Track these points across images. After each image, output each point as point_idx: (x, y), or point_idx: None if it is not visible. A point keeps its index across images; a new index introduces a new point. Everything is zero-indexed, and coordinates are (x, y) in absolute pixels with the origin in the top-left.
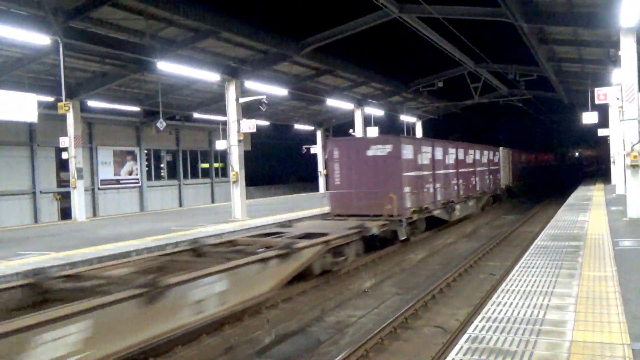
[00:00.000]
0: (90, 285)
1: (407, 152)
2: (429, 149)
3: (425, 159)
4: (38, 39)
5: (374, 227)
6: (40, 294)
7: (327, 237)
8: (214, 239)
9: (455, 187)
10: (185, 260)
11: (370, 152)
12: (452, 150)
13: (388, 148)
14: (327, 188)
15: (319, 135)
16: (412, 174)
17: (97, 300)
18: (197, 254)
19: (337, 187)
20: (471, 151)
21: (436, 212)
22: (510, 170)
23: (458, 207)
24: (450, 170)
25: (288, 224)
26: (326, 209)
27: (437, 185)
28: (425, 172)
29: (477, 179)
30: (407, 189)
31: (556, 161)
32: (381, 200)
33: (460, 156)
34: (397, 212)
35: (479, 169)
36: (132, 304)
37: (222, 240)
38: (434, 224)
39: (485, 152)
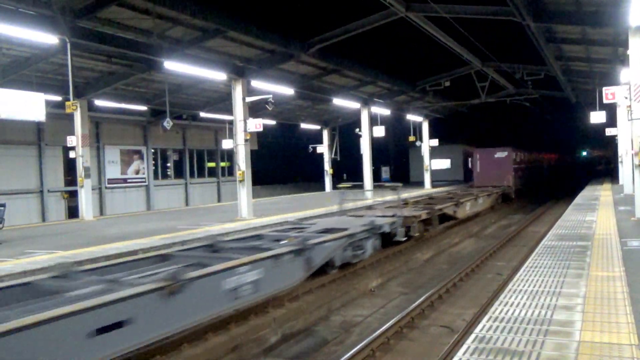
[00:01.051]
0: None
1: (514, 155)
2: (520, 153)
3: (519, 158)
4: (46, 38)
5: (506, 189)
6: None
7: (496, 189)
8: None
9: (527, 175)
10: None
11: (496, 155)
12: (526, 153)
13: (505, 153)
14: (333, 187)
15: (325, 134)
16: (515, 166)
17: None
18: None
19: (479, 172)
20: (534, 154)
21: (521, 187)
22: (547, 166)
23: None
24: (526, 165)
25: (459, 187)
26: (328, 208)
27: (521, 173)
28: (518, 166)
29: (535, 171)
30: (513, 174)
31: (572, 160)
32: (502, 179)
33: (529, 157)
34: (510, 185)
35: (536, 164)
36: (452, 205)
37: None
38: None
39: (539, 154)
